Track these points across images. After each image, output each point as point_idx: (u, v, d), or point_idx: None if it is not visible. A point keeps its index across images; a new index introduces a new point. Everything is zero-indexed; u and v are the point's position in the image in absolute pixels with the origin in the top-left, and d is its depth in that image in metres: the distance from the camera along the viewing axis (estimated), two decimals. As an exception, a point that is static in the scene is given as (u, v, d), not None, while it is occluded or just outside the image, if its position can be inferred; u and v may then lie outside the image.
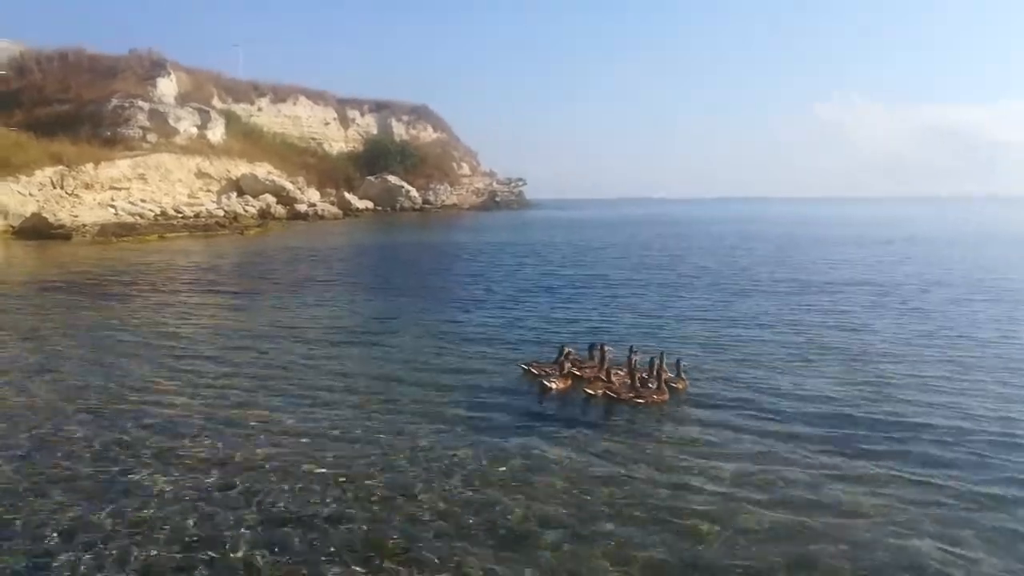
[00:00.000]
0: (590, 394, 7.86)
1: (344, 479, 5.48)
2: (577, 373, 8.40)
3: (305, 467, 5.71)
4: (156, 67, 51.91)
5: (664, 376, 7.94)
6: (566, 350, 8.67)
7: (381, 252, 27.61)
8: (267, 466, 5.73)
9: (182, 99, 51.97)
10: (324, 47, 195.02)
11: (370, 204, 62.44)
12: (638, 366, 8.12)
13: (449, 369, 8.94)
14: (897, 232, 39.25)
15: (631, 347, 8.55)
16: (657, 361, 8.13)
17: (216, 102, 56.91)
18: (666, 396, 7.70)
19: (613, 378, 8.09)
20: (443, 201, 72.33)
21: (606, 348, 8.71)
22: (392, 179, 65.71)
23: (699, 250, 27.73)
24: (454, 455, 5.99)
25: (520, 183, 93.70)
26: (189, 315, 12.95)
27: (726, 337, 10.82)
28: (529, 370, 8.53)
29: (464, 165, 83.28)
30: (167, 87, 51.30)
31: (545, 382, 8.13)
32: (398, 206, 64.65)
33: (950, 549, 4.50)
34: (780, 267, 20.79)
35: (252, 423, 6.78)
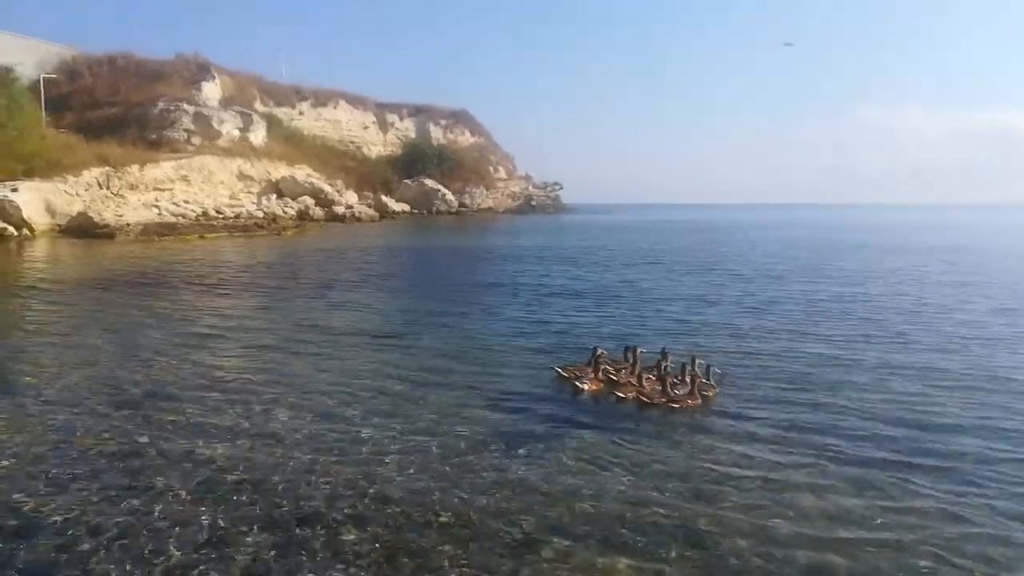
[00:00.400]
0: (621, 398, 7.85)
1: (364, 481, 5.50)
2: (612, 377, 8.38)
3: (325, 468, 5.75)
4: (201, 71, 53.16)
5: (697, 380, 7.85)
6: (599, 352, 8.64)
7: (413, 254, 27.86)
8: (288, 466, 5.77)
9: (225, 102, 53.09)
10: (365, 52, 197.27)
11: (406, 207, 63.00)
12: (669, 370, 8.09)
13: (477, 372, 8.95)
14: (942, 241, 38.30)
15: (663, 350, 8.55)
16: (688, 366, 8.05)
17: (258, 105, 58.03)
18: (699, 401, 7.63)
19: (644, 382, 8.07)
20: (479, 205, 72.68)
21: (639, 351, 8.66)
22: (429, 182, 66.22)
23: (733, 257, 27.39)
24: (474, 459, 5.99)
25: (556, 187, 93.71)
26: (222, 313, 13.21)
27: (758, 346, 10.67)
28: (562, 373, 8.53)
29: (501, 169, 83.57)
30: (211, 91, 52.47)
31: (577, 383, 8.22)
32: (434, 209, 65.11)
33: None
34: (817, 275, 20.44)
35: (276, 424, 6.86)
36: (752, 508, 5.12)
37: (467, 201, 70.98)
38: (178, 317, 12.66)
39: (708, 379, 8.10)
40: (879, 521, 4.96)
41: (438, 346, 10.43)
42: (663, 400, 7.66)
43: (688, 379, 7.89)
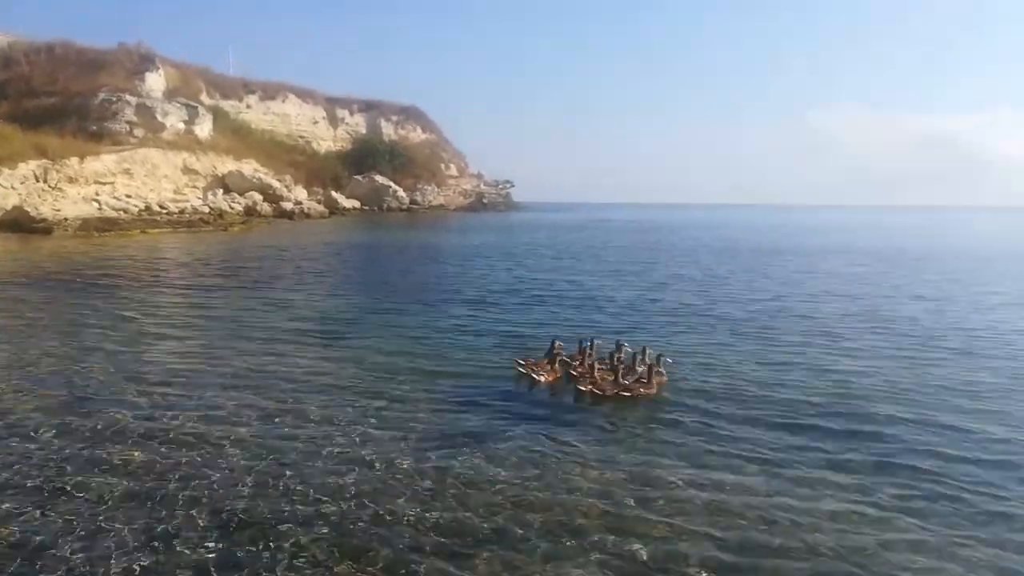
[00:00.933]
0: (581, 390, 8.20)
1: (304, 484, 5.60)
2: (573, 373, 8.67)
3: (264, 470, 5.85)
4: (144, 61, 51.84)
5: (653, 369, 8.25)
6: (557, 344, 9.04)
7: (362, 251, 27.75)
8: (226, 469, 5.84)
9: (170, 94, 51.91)
10: (316, 46, 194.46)
11: (357, 203, 62.58)
12: (623, 361, 8.51)
13: (422, 369, 9.12)
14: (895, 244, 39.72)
15: (617, 342, 8.98)
16: (640, 355, 8.53)
17: (204, 98, 56.90)
18: (653, 389, 8.07)
19: (596, 373, 8.41)
20: (430, 202, 72.55)
21: (596, 343, 9.08)
22: (380, 179, 65.88)
23: (670, 256, 28.00)
24: (417, 458, 6.14)
25: (508, 185, 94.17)
26: (160, 312, 13.08)
27: (704, 338, 11.06)
28: (520, 366, 8.76)
29: (452, 166, 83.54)
30: (155, 82, 51.25)
31: (533, 375, 8.55)
32: (385, 206, 64.83)
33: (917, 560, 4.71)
34: (756, 275, 21.07)
35: (213, 426, 6.93)
36: (685, 505, 5.39)
37: (418, 198, 70.79)
38: (114, 316, 12.51)
39: (659, 367, 8.46)
40: (815, 513, 5.28)
41: (383, 344, 10.56)
42: (615, 391, 8.03)
43: (641, 368, 8.34)
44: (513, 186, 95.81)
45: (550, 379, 8.60)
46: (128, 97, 46.95)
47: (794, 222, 76.11)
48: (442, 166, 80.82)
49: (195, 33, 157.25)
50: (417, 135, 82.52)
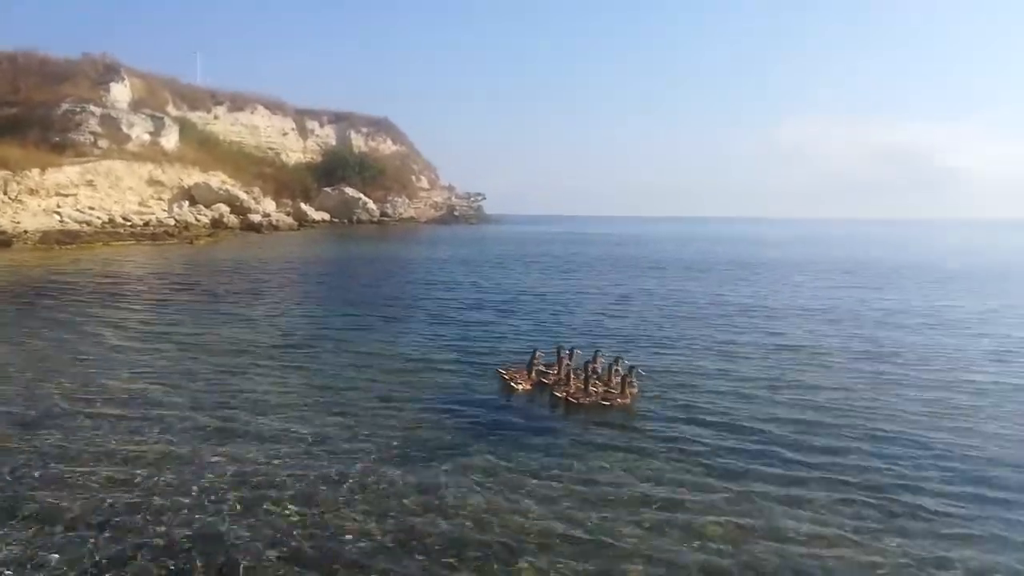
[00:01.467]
0: (556, 396, 8.41)
1: (266, 503, 5.55)
2: (545, 381, 8.92)
3: (222, 488, 5.81)
4: (109, 72, 51.17)
5: (626, 380, 8.44)
6: (536, 353, 9.26)
7: (329, 265, 27.56)
8: (185, 487, 5.79)
9: (136, 105, 51.28)
10: (285, 57, 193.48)
11: (327, 216, 62.23)
12: (599, 371, 8.84)
13: (390, 384, 9.11)
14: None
15: (595, 351, 9.37)
16: (614, 365, 8.78)
17: (171, 109, 56.29)
18: (628, 399, 8.25)
19: (572, 382, 8.65)
20: (401, 214, 72.37)
21: (575, 352, 9.40)
22: (350, 191, 65.61)
23: (634, 266, 28.23)
24: (384, 475, 6.12)
25: (479, 197, 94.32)
26: (119, 327, 12.85)
27: (672, 352, 11.16)
28: (503, 375, 9.03)
29: (423, 179, 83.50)
30: (120, 92, 50.60)
31: (513, 384, 8.81)
32: (355, 218, 64.57)
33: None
34: (724, 288, 21.31)
35: (174, 444, 6.84)
36: (654, 519, 5.44)
37: (389, 210, 70.59)
38: (71, 331, 12.27)
39: (632, 378, 8.62)
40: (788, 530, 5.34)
41: (350, 359, 10.49)
42: (589, 399, 8.24)
43: (616, 379, 8.56)
44: (484, 199, 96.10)
45: (528, 387, 8.85)
46: (92, 108, 46.28)
47: (766, 235, 77.09)
48: (413, 178, 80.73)
49: (162, 43, 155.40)
50: (388, 147, 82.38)
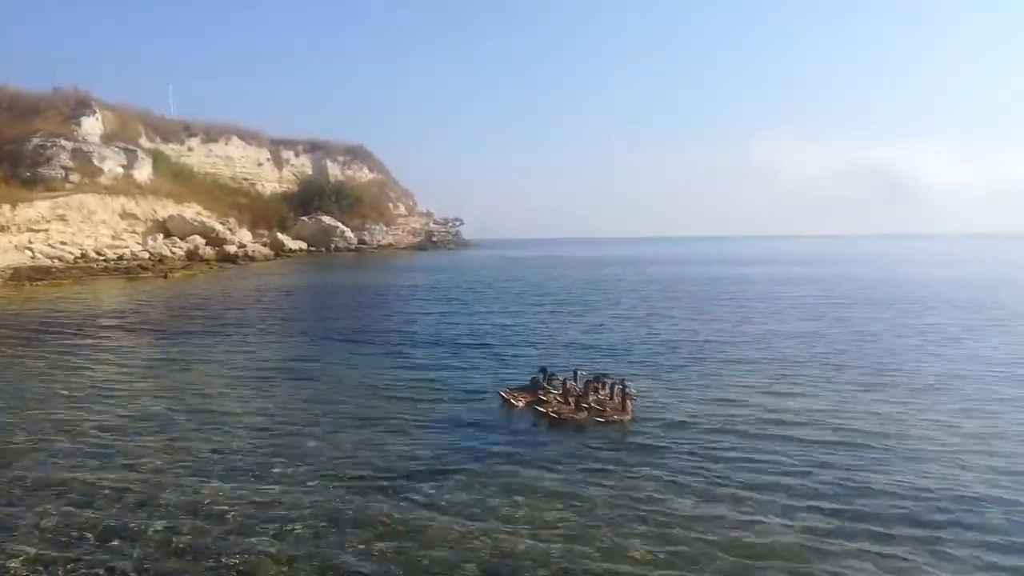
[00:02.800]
0: (551, 415, 8.64)
1: (244, 538, 5.46)
2: (543, 398, 9.19)
3: (197, 524, 5.69)
4: (81, 106, 50.79)
5: (626, 400, 8.70)
6: (543, 375, 9.64)
7: (306, 295, 27.34)
8: (157, 525, 5.67)
9: (108, 138, 50.88)
10: (259, 87, 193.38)
11: (304, 245, 61.90)
12: (574, 387, 9.14)
13: (369, 410, 9.06)
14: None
15: (575, 370, 9.72)
16: (618, 385, 8.99)
17: (144, 141, 55.97)
18: (628, 415, 8.50)
19: (553, 400, 8.98)
20: (379, 241, 72.24)
21: (579, 374, 9.60)
22: (327, 219, 65.41)
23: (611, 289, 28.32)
24: (362, 508, 6.02)
25: (457, 223, 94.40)
26: (88, 364, 12.64)
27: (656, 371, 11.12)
28: (501, 394, 9.41)
29: (401, 205, 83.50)
30: (92, 126, 50.20)
31: (512, 401, 9.19)
32: (333, 246, 64.30)
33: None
34: (701, 307, 21.38)
35: (148, 478, 6.67)
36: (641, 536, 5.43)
37: (366, 238, 70.44)
38: (40, 368, 12.04)
39: (632, 396, 8.84)
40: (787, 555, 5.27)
41: (330, 389, 10.40)
42: (580, 416, 8.56)
43: (616, 398, 8.82)
44: (463, 224, 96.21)
45: (522, 404, 9.16)
46: (63, 142, 45.90)
47: (740, 253, 77.81)
48: (390, 205, 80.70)
49: (134, 76, 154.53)
50: (364, 174, 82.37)
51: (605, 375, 9.60)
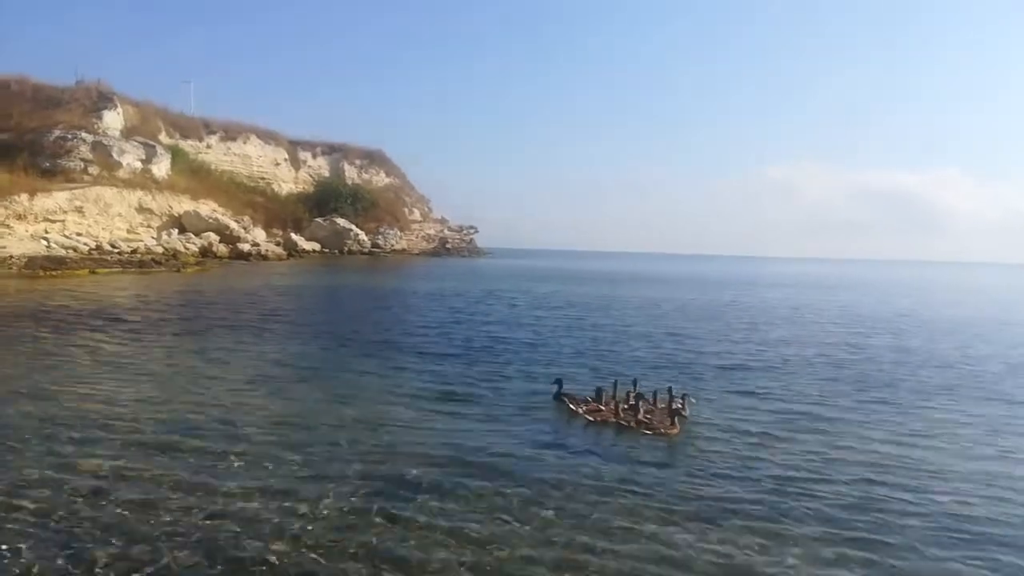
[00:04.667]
0: (590, 421, 8.99)
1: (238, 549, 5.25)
2: (602, 408, 9.40)
3: (205, 527, 5.50)
4: (103, 99, 51.16)
5: (679, 410, 8.87)
6: (609, 385, 9.91)
7: (315, 295, 27.25)
8: (161, 528, 5.48)
9: (128, 132, 51.26)
10: (281, 89, 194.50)
11: (317, 246, 61.95)
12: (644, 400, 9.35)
13: (384, 418, 8.79)
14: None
15: (615, 381, 10.06)
16: (670, 397, 9.23)
17: (163, 137, 56.30)
18: (676, 431, 8.48)
19: (620, 412, 9.07)
20: (392, 246, 72.23)
21: (637, 386, 9.86)
22: (341, 222, 65.46)
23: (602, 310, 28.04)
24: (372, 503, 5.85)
25: (471, 231, 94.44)
26: (98, 354, 12.51)
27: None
28: (568, 403, 9.60)
29: (416, 211, 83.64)
30: (113, 120, 50.55)
31: (574, 407, 9.38)
32: (346, 249, 64.33)
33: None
34: (720, 329, 21.10)
35: (148, 477, 6.50)
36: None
37: (380, 242, 70.45)
38: (47, 358, 11.92)
39: (684, 408, 9.02)
40: None
41: (334, 394, 10.16)
42: (627, 422, 8.76)
43: (666, 412, 8.96)
44: (477, 231, 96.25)
45: (586, 411, 9.28)
46: (84, 135, 46.22)
47: (762, 274, 77.35)
48: (405, 210, 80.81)
49: (157, 71, 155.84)
50: (381, 179, 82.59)
51: (657, 389, 9.92)
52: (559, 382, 10.15)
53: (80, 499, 5.92)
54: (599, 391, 9.68)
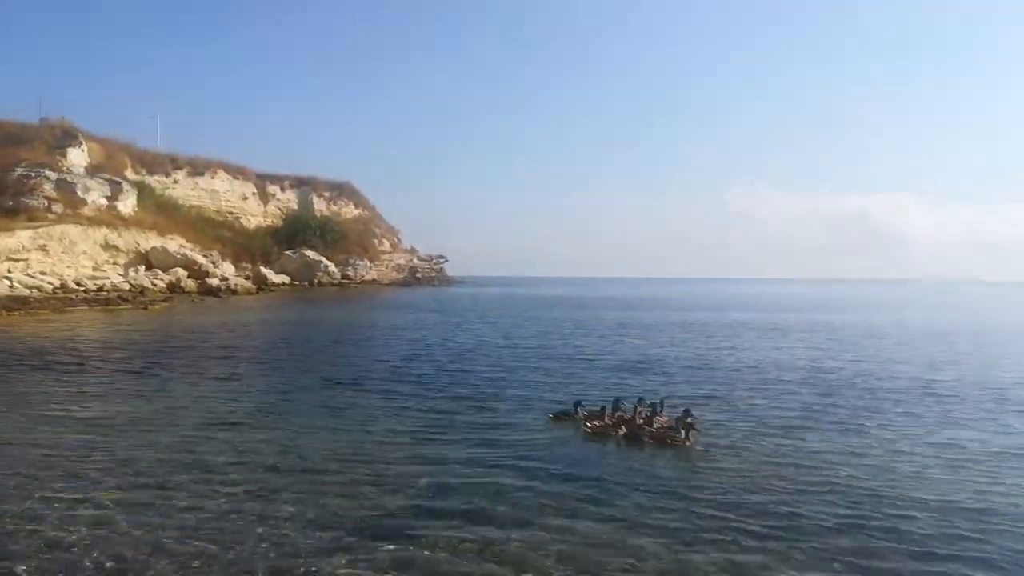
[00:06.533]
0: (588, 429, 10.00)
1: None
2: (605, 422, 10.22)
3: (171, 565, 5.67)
4: (67, 136, 50.92)
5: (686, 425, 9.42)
6: (619, 401, 10.67)
7: (282, 329, 27.26)
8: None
9: (93, 169, 50.96)
10: (249, 123, 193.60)
11: (287, 279, 61.78)
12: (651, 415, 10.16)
13: (354, 453, 8.95)
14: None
15: (616, 399, 10.80)
16: (682, 417, 9.64)
17: (130, 173, 56.10)
18: (688, 443, 9.20)
19: (623, 426, 9.89)
20: (362, 276, 72.27)
21: (659, 401, 10.73)
22: (311, 254, 65.48)
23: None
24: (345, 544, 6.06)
25: (441, 260, 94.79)
26: (57, 397, 12.54)
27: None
28: (580, 418, 10.38)
29: (385, 242, 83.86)
30: (77, 157, 50.28)
31: (586, 424, 10.12)
32: (316, 281, 64.25)
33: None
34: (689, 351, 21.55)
35: (116, 530, 6.66)
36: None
37: (350, 273, 70.46)
38: (5, 401, 11.92)
39: (695, 427, 9.53)
40: None
41: (301, 432, 10.30)
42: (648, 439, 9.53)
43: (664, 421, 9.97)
44: (447, 260, 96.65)
45: (599, 426, 10.06)
46: (47, 172, 45.93)
47: (723, 295, 78.40)
48: (375, 241, 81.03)
49: (122, 107, 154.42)
50: (350, 210, 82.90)
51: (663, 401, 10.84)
52: (577, 403, 10.93)
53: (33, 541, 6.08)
54: (616, 403, 10.54)
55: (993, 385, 15.04)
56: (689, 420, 9.47)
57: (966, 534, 6.48)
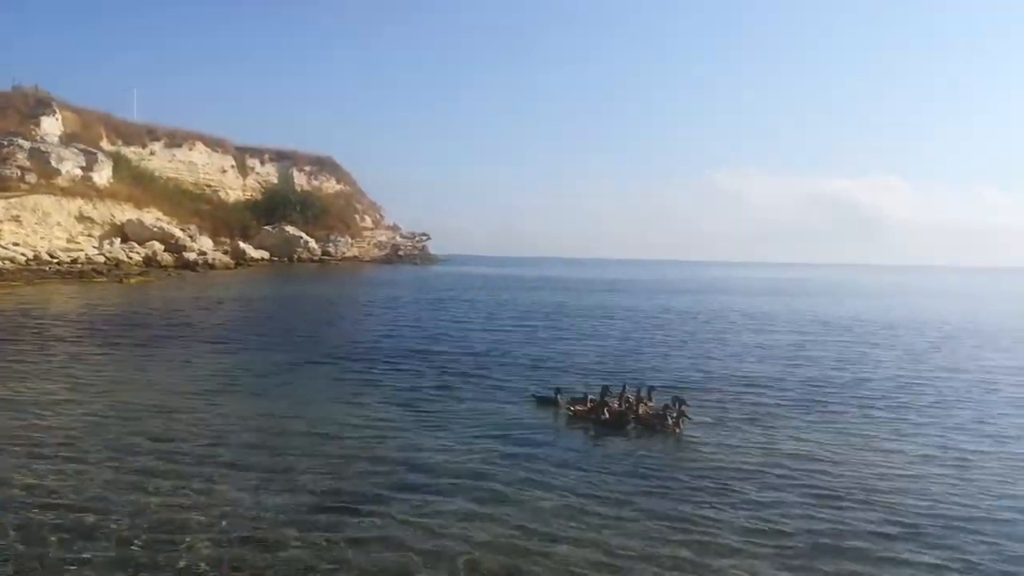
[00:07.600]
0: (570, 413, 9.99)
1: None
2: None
3: (153, 540, 5.56)
4: (41, 105, 49.89)
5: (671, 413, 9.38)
6: (609, 387, 10.35)
7: (261, 305, 26.99)
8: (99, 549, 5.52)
9: (68, 139, 49.95)
10: (227, 95, 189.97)
11: (266, 254, 61.19)
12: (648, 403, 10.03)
13: (328, 424, 8.91)
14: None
15: (649, 388, 10.60)
16: (671, 405, 9.56)
17: (105, 144, 55.04)
18: (677, 430, 9.22)
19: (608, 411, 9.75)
20: (343, 253, 71.77)
21: (641, 389, 10.42)
22: (290, 229, 64.87)
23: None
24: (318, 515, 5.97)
25: (424, 238, 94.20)
26: (32, 371, 12.33)
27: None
28: (568, 406, 10.22)
29: (367, 218, 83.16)
30: (52, 126, 49.29)
31: (569, 408, 10.11)
32: (296, 257, 63.72)
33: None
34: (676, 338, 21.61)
35: (89, 498, 6.51)
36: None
37: (331, 249, 69.94)
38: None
39: (685, 414, 9.49)
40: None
41: (277, 405, 10.21)
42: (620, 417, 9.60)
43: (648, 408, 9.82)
44: (429, 238, 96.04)
45: (582, 411, 9.97)
46: (20, 141, 44.90)
47: (705, 278, 78.82)
48: (357, 217, 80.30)
49: (98, 78, 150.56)
50: (331, 185, 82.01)
51: (653, 388, 10.67)
52: (557, 391, 10.79)
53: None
54: (605, 389, 10.27)
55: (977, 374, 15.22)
56: (681, 408, 9.39)
57: (956, 524, 6.47)
